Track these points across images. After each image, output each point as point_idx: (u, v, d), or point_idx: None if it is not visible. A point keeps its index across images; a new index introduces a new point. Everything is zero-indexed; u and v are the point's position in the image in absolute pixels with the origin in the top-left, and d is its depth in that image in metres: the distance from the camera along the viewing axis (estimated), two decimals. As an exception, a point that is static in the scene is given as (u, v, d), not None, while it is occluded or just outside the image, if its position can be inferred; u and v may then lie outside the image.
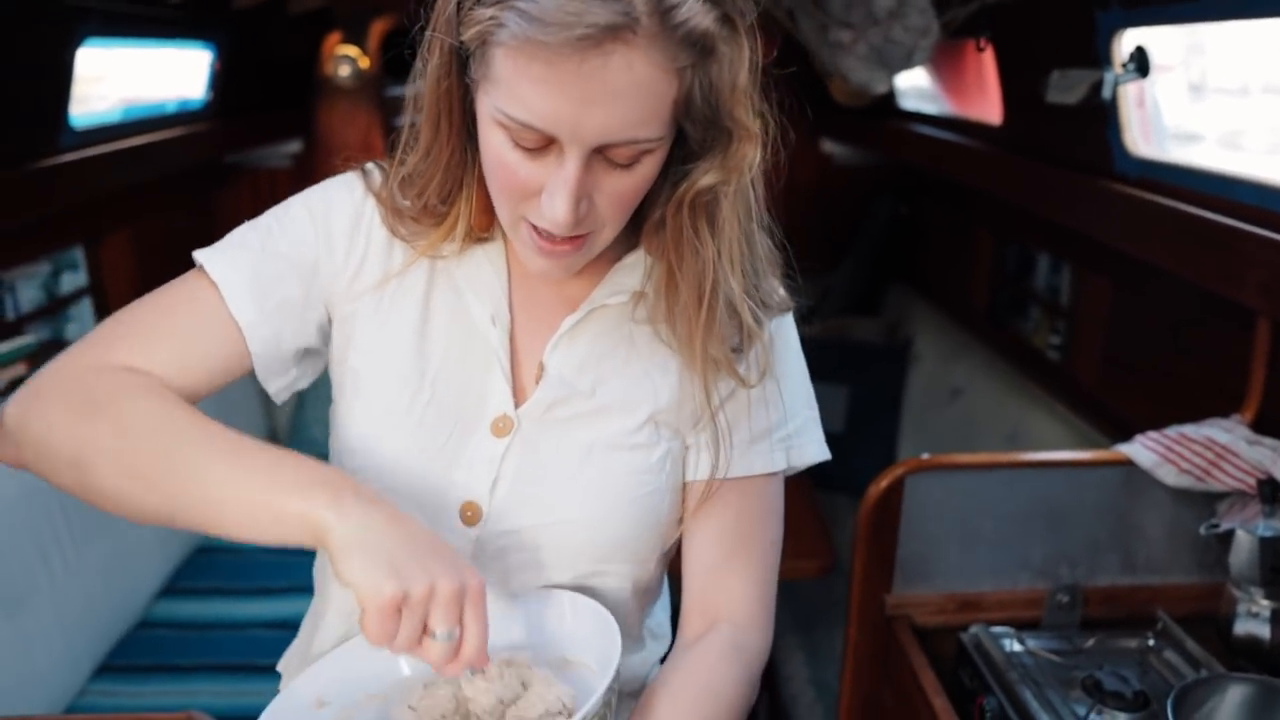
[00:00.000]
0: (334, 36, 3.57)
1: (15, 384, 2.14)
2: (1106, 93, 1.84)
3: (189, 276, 0.91)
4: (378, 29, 3.62)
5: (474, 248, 0.94)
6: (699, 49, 0.75)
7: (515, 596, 0.95)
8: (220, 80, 2.93)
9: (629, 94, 0.73)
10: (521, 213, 0.82)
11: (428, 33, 0.81)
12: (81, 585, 2.19)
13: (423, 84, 0.83)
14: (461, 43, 0.77)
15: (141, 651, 2.32)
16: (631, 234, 0.93)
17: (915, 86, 3.23)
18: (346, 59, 3.58)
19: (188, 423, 0.80)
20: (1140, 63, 1.76)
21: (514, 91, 0.74)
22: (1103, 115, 1.91)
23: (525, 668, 0.87)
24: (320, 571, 1.05)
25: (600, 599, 0.94)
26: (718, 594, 0.97)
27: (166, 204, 2.98)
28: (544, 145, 0.77)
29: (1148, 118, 1.92)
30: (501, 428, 0.92)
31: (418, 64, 0.84)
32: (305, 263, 0.92)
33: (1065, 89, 1.89)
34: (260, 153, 3.50)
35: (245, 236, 0.92)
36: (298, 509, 0.73)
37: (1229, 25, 1.67)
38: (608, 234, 0.85)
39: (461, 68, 0.80)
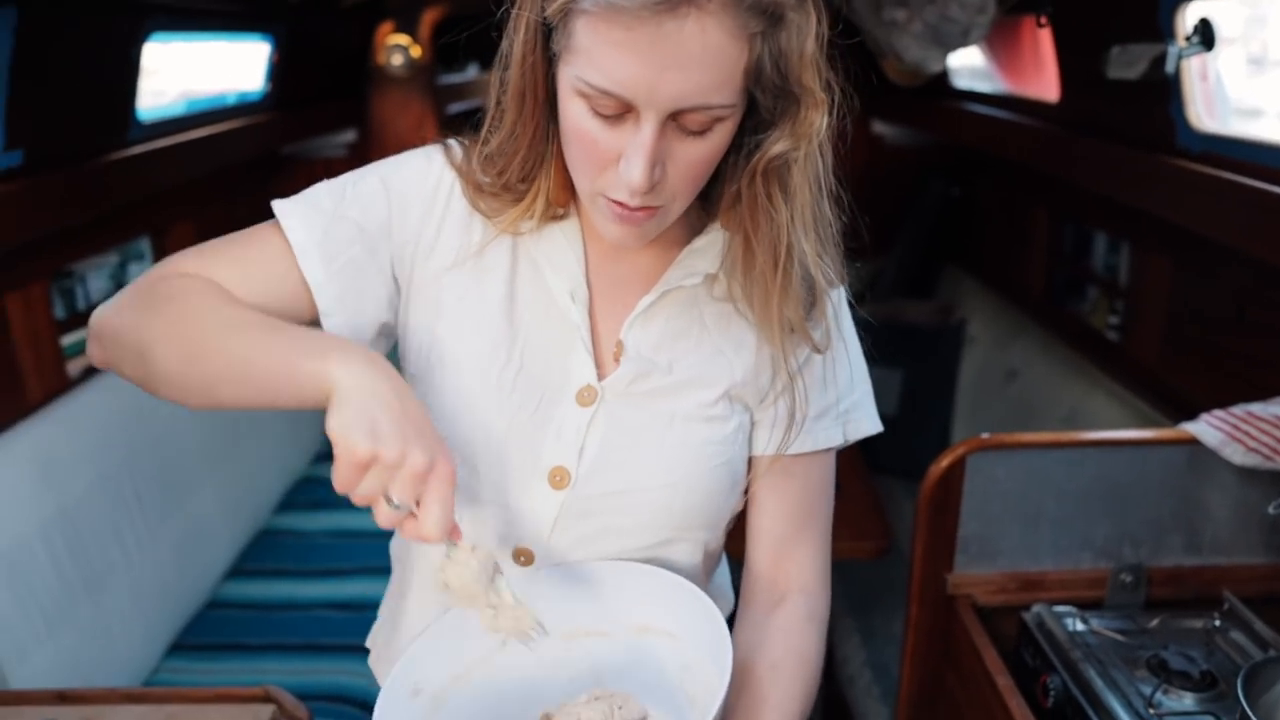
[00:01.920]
0: (386, 26, 3.61)
1: (89, 372, 2.22)
2: (1170, 66, 1.81)
3: (265, 227, 0.95)
4: (428, 18, 3.66)
5: (550, 225, 0.96)
6: (770, 16, 0.77)
7: (637, 570, 0.97)
8: (278, 72, 2.98)
9: (703, 59, 0.76)
10: (600, 188, 0.85)
11: (513, 12, 0.84)
12: (155, 565, 2.25)
13: (507, 65, 0.86)
14: (545, 17, 0.80)
15: (211, 631, 2.38)
16: (700, 217, 0.96)
17: (968, 65, 3.19)
18: (399, 48, 3.62)
19: (231, 309, 0.87)
20: (1205, 35, 1.74)
21: (593, 58, 0.77)
22: (1164, 90, 1.89)
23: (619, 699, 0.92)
24: (400, 547, 1.08)
25: (674, 567, 0.97)
26: (788, 565, 1.03)
27: (227, 195, 3.04)
28: (621, 112, 0.80)
29: (1211, 91, 1.89)
30: (586, 398, 0.95)
31: (503, 45, 0.86)
32: (374, 229, 0.95)
33: (1126, 64, 1.87)
34: (316, 143, 3.55)
35: (320, 197, 0.95)
36: (311, 367, 0.78)
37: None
38: (679, 206, 0.88)
39: (545, 43, 0.83)
